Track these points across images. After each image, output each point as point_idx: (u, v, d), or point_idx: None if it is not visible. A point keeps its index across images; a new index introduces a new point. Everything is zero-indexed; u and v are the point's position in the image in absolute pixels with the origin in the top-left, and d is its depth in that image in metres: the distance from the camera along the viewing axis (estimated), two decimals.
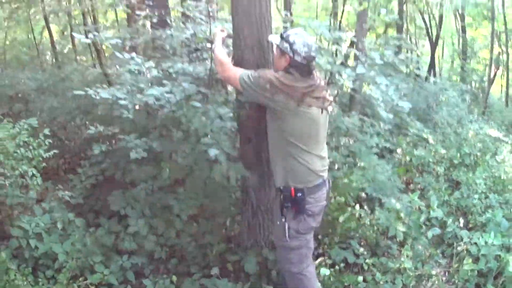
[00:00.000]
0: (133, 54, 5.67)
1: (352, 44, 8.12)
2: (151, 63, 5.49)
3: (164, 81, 5.18)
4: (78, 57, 15.93)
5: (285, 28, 6.71)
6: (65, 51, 17.04)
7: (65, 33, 18.09)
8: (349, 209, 5.98)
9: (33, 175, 5.26)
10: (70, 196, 5.78)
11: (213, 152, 4.44)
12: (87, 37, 6.33)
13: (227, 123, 4.89)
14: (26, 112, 8.48)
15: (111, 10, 16.10)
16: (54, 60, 15.43)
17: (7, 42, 16.24)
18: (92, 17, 11.81)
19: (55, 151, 5.64)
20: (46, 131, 5.61)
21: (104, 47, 12.70)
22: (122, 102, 4.89)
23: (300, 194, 4.00)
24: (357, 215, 6.02)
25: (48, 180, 6.34)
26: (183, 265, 5.36)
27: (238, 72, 4.08)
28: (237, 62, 4.60)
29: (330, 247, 5.67)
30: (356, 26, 8.69)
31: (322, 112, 4.09)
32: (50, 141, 5.61)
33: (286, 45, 3.98)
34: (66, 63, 14.25)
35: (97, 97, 4.96)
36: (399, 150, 8.81)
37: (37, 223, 4.91)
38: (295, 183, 4.02)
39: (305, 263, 4.29)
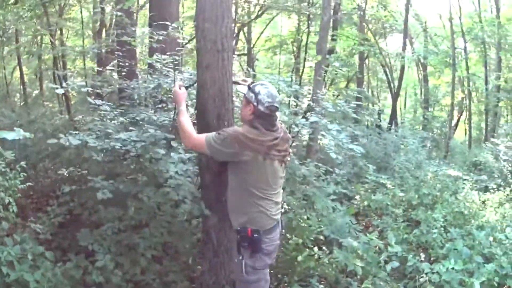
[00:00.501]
0: (101, 101, 5.94)
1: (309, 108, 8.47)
2: (117, 111, 5.72)
3: (131, 128, 5.46)
4: (45, 103, 16.06)
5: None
6: (33, 94, 17.18)
7: (35, 77, 18.24)
8: (307, 250, 6.11)
9: (9, 203, 5.45)
10: (39, 231, 5.91)
11: (182, 192, 4.78)
12: (61, 85, 6.60)
13: (189, 167, 5.17)
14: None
15: (80, 58, 16.38)
16: (23, 102, 15.53)
17: None
18: (61, 63, 12.05)
19: (30, 183, 5.84)
20: (23, 164, 5.85)
21: (71, 95, 12.90)
22: (92, 144, 5.13)
23: (257, 235, 4.21)
24: (315, 256, 6.15)
25: (17, 217, 6.49)
26: None
27: (202, 138, 4.26)
28: (200, 111, 4.94)
29: (290, 285, 5.84)
30: (314, 77, 9.03)
31: (281, 164, 4.36)
32: (25, 174, 5.83)
33: (251, 94, 4.23)
34: (34, 106, 14.40)
35: (67, 143, 5.18)
36: (357, 197, 9.09)
37: (9, 252, 4.98)
38: (252, 225, 4.23)
39: None
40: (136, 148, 5.32)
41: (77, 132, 6.07)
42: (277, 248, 4.58)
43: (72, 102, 13.83)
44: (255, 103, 4.19)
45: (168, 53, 6.73)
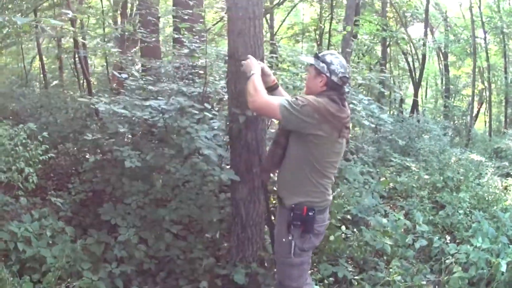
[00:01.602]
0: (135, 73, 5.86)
1: None
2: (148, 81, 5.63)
3: (159, 97, 5.36)
4: (65, 91, 16.08)
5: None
6: (53, 84, 17.17)
7: (54, 66, 18.25)
8: (339, 229, 6.02)
9: (30, 173, 5.36)
10: (60, 205, 5.89)
11: (207, 151, 4.62)
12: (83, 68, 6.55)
13: (219, 133, 5.07)
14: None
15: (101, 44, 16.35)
16: (44, 88, 15.53)
17: None
18: (82, 44, 11.98)
19: (52, 154, 5.77)
20: (45, 134, 5.77)
21: (92, 82, 12.85)
22: (123, 111, 5.05)
23: (312, 213, 3.95)
24: (343, 235, 6.06)
25: (36, 197, 6.43)
26: (171, 278, 5.39)
27: (275, 100, 3.86)
28: (232, 80, 4.87)
29: (319, 264, 5.72)
30: (341, 51, 8.91)
31: (347, 142, 4.15)
32: (47, 146, 5.76)
33: (322, 65, 3.93)
34: (55, 93, 14.43)
35: (100, 108, 5.11)
36: (382, 179, 8.99)
37: (26, 228, 4.93)
38: (308, 204, 3.97)
39: (304, 278, 4.28)
40: (164, 118, 5.20)
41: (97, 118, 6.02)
42: (325, 229, 4.37)
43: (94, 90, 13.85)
44: (327, 74, 3.91)
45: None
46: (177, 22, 7.38)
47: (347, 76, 4.00)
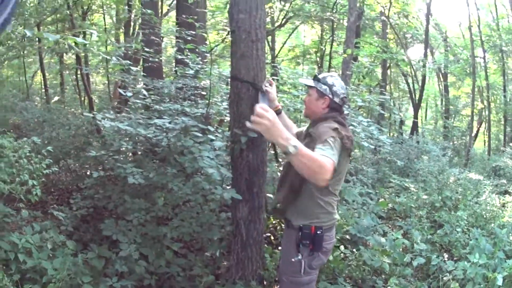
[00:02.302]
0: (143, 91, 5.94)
1: None
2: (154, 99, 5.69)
3: (164, 117, 5.45)
4: (66, 108, 16.16)
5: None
6: (54, 99, 17.27)
7: (56, 82, 18.34)
8: (337, 249, 6.11)
9: (33, 185, 5.39)
10: (61, 219, 5.93)
11: (211, 171, 4.67)
12: (85, 88, 6.57)
13: (221, 154, 5.15)
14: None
15: (103, 63, 16.46)
16: (45, 103, 15.60)
17: None
18: (84, 61, 12.08)
19: (56, 168, 5.82)
20: (50, 148, 5.82)
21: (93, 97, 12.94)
22: (128, 128, 5.12)
23: (320, 232, 3.96)
24: (342, 255, 6.15)
25: (37, 211, 6.47)
26: None
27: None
28: (234, 101, 4.94)
29: (317, 282, 5.74)
30: (341, 73, 8.98)
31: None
32: (51, 160, 5.81)
33: (325, 87, 4.00)
34: (56, 109, 14.50)
35: (105, 125, 5.18)
36: (381, 200, 9.06)
37: (27, 240, 4.95)
38: (316, 223, 3.97)
39: None
40: (168, 137, 5.28)
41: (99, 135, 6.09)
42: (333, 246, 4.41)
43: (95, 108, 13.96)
44: (330, 96, 3.99)
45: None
46: (180, 42, 7.47)
47: (346, 96, 4.12)
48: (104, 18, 16.52)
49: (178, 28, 7.79)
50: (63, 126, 8.86)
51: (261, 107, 2.97)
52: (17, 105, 12.41)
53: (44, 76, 15.96)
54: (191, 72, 6.63)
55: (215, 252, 5.81)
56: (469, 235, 7.27)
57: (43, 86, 16.25)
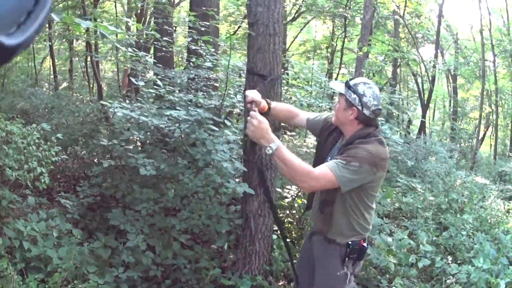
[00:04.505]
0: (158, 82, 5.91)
1: None
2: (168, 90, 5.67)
3: (178, 108, 5.42)
4: (75, 94, 16.14)
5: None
6: (63, 85, 17.26)
7: (64, 68, 18.31)
8: None
9: (42, 173, 5.38)
10: (68, 207, 5.89)
11: (225, 164, 4.64)
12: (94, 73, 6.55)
13: (235, 147, 5.13)
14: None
15: (113, 50, 16.41)
16: (54, 89, 15.56)
17: (7, 66, 16.41)
18: (95, 48, 12.04)
19: (65, 156, 5.77)
20: (59, 135, 5.80)
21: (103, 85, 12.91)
22: (142, 118, 5.10)
23: (367, 244, 3.87)
24: None
25: (43, 198, 6.46)
26: (176, 286, 5.42)
27: (328, 172, 3.33)
28: (251, 86, 4.88)
29: None
30: (354, 71, 8.92)
31: None
32: (60, 148, 5.80)
33: (354, 96, 3.55)
34: (65, 95, 14.45)
35: (118, 113, 5.15)
36: (388, 199, 9.02)
37: (33, 227, 4.92)
38: (362, 237, 3.82)
39: None
40: (181, 128, 5.25)
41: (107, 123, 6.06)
42: None
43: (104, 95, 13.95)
44: (359, 107, 3.54)
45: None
46: (193, 33, 7.43)
47: (380, 108, 3.64)
48: (115, 5, 16.48)
49: (192, 19, 7.75)
50: (72, 113, 8.85)
51: (252, 113, 3.25)
52: (25, 90, 12.40)
53: (53, 62, 15.92)
54: (207, 64, 6.58)
55: (223, 245, 5.79)
56: (473, 239, 7.25)
57: (51, 72, 16.19)
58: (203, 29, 7.06)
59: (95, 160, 7.32)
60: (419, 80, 21.42)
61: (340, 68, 18.73)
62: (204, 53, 6.77)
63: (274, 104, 4.23)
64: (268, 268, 5.48)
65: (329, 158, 3.87)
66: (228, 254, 5.92)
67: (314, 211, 4.05)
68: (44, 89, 17.19)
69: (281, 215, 6.83)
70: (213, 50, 6.83)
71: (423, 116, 19.96)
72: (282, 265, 5.64)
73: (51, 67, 16.19)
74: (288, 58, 17.47)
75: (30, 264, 4.76)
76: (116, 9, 16.53)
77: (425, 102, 20.05)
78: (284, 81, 7.41)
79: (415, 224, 7.99)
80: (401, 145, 11.20)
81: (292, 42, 20.85)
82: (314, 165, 3.66)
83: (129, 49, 6.34)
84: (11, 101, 10.51)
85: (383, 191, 8.42)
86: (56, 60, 17.11)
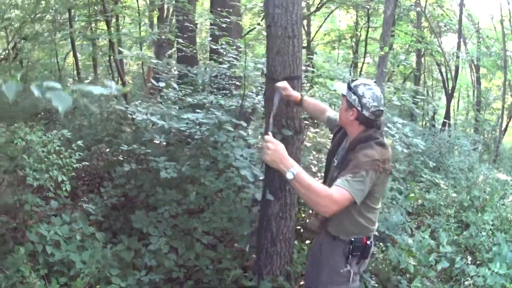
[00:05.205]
0: (174, 85, 5.94)
1: None
2: (181, 94, 5.68)
3: (198, 110, 5.45)
4: None
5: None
6: (87, 81, 17.31)
7: (88, 63, 18.37)
8: None
9: (63, 181, 5.43)
10: (91, 211, 5.92)
11: (244, 172, 4.65)
12: (118, 71, 6.59)
13: (255, 152, 5.12)
14: (53, 126, 8.61)
15: (136, 45, 16.45)
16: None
17: (30, 63, 16.53)
18: (117, 49, 12.06)
19: (86, 163, 5.81)
20: (80, 143, 5.83)
21: (127, 81, 12.95)
22: (160, 122, 5.13)
23: (370, 242, 3.93)
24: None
25: (67, 198, 6.52)
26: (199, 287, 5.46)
27: (345, 192, 3.37)
28: (270, 98, 4.85)
29: None
30: (376, 71, 8.85)
31: None
32: (81, 154, 5.84)
33: (354, 97, 3.69)
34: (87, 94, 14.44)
35: (137, 118, 5.19)
36: (412, 195, 8.99)
37: (56, 232, 4.97)
38: (365, 235, 3.91)
39: None
40: (201, 130, 5.28)
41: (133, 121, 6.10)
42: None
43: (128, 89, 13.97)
44: (358, 108, 3.68)
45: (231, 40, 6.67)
46: (214, 29, 7.45)
47: (381, 109, 3.74)
48: (137, 0, 16.48)
49: (211, 18, 7.77)
50: (95, 113, 8.90)
51: (266, 137, 3.36)
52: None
53: (76, 59, 16.00)
54: (224, 66, 6.60)
55: (245, 246, 5.81)
56: (493, 239, 7.20)
57: (75, 69, 16.26)
58: (224, 25, 7.07)
59: (120, 158, 7.35)
60: (443, 69, 21.21)
61: (364, 57, 18.67)
62: (224, 52, 6.78)
63: (307, 97, 4.60)
64: (289, 268, 5.50)
65: (335, 158, 4.04)
66: (249, 254, 5.95)
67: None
68: (69, 84, 17.26)
69: (303, 215, 6.85)
70: (234, 48, 6.81)
71: (448, 106, 19.76)
72: (300, 268, 5.66)
73: (74, 64, 16.26)
74: (313, 51, 17.46)
75: (53, 268, 4.82)
76: (138, 4, 16.53)
77: (450, 92, 19.86)
78: (305, 80, 7.40)
79: (437, 222, 7.95)
80: (425, 138, 11.15)
81: (316, 32, 20.73)
82: (326, 166, 3.98)
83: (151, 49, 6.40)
84: (33, 99, 10.55)
85: (407, 187, 8.41)
86: (79, 56, 17.20)
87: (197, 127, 5.35)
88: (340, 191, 3.35)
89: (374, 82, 4.09)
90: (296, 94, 4.57)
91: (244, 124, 5.56)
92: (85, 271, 4.74)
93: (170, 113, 5.69)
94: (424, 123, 18.88)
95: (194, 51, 8.17)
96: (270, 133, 3.55)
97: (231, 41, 6.48)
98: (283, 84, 4.50)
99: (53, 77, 16.26)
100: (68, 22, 14.14)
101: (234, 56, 6.79)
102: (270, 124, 4.02)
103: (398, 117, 6.92)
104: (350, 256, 3.90)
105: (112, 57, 12.69)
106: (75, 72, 15.95)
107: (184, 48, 7.66)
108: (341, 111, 3.91)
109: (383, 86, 7.55)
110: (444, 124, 17.88)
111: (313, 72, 7.67)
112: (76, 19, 14.81)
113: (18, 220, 5.64)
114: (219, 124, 5.30)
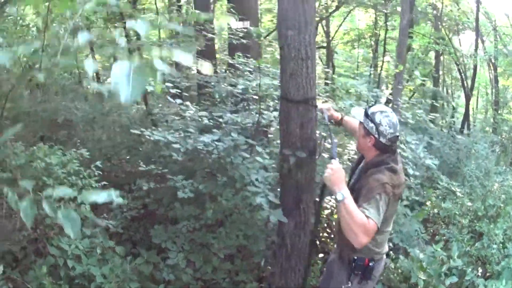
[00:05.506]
0: (187, 103, 6.02)
1: (388, 102, 8.42)
2: (204, 113, 5.76)
3: (214, 130, 5.54)
4: None
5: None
6: (107, 82, 17.34)
7: (108, 64, 18.41)
8: None
9: (82, 203, 5.54)
10: (110, 224, 6.02)
11: (259, 200, 4.72)
12: None
13: (270, 174, 5.20)
14: (72, 140, 8.67)
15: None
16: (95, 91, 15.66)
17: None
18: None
19: (105, 183, 5.93)
20: (98, 163, 5.94)
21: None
22: (175, 146, 5.23)
23: (372, 264, 4.02)
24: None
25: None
26: None
27: (373, 220, 3.48)
28: (283, 119, 4.97)
29: None
30: (393, 85, 8.83)
31: None
32: (101, 172, 5.94)
33: (371, 125, 3.86)
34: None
35: (152, 138, 5.29)
36: (428, 203, 9.01)
37: (77, 246, 5.08)
38: (369, 256, 4.01)
39: None
40: (219, 150, 5.38)
41: (155, 128, 6.20)
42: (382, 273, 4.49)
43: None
44: (376, 135, 3.86)
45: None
46: (232, 37, 7.52)
47: (397, 135, 3.92)
48: (155, 1, 16.47)
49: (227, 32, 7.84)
50: (114, 124, 8.97)
51: (333, 161, 3.70)
52: (67, 95, 12.40)
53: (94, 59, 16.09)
54: (240, 86, 6.66)
55: (260, 261, 5.93)
56: (503, 251, 7.14)
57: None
58: (241, 34, 7.14)
59: (140, 168, 7.45)
60: (462, 68, 21.09)
61: (383, 57, 18.66)
62: (241, 67, 6.86)
63: (347, 117, 4.83)
64: (303, 282, 5.60)
65: (353, 177, 4.23)
66: (265, 268, 6.06)
67: (336, 224, 4.51)
68: (89, 86, 17.35)
69: (318, 229, 6.93)
70: (251, 68, 6.85)
71: (466, 105, 19.62)
72: (314, 281, 5.76)
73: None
74: (333, 50, 17.46)
75: (74, 281, 4.94)
76: (156, 5, 16.52)
77: (468, 92, 19.74)
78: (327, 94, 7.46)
79: (451, 232, 7.95)
80: (443, 140, 11.10)
81: (336, 31, 20.69)
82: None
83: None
84: (55, 107, 10.56)
85: (424, 194, 8.44)
86: (98, 57, 17.28)
87: (214, 145, 5.42)
88: (370, 223, 3.47)
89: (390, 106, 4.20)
90: (337, 115, 4.77)
91: (259, 150, 5.61)
92: (106, 286, 4.87)
93: (187, 130, 5.79)
94: (443, 120, 18.79)
95: (212, 61, 8.25)
96: (336, 159, 3.85)
97: (246, 60, 6.57)
98: (326, 105, 4.73)
99: (73, 79, 16.32)
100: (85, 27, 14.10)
101: (250, 69, 6.87)
102: (333, 152, 4.09)
103: (412, 133, 6.95)
104: (352, 274, 4.05)
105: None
106: (95, 74, 15.98)
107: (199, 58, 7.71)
108: (360, 137, 4.08)
109: (399, 102, 7.57)
110: (463, 125, 17.81)
111: (334, 90, 7.67)
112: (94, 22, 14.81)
113: (39, 232, 5.74)
114: (235, 147, 5.39)
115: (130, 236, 6.37)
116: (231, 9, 9.07)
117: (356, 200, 3.61)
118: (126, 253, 5.66)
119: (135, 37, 11.36)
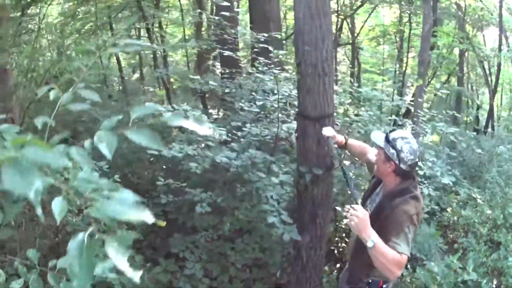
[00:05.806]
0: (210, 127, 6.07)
1: (408, 112, 8.35)
2: (223, 132, 5.78)
3: (233, 144, 5.60)
4: (145, 88, 16.28)
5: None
6: (133, 78, 17.44)
7: (134, 61, 18.55)
8: None
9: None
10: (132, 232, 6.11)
11: (271, 219, 4.71)
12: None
13: (287, 190, 5.24)
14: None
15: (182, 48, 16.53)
16: (120, 87, 15.81)
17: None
18: (162, 55, 12.11)
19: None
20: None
21: (172, 79, 13.08)
22: (192, 164, 5.29)
23: (386, 286, 4.08)
24: None
25: None
26: None
27: (405, 254, 3.52)
28: (301, 136, 5.03)
29: None
30: (414, 98, 8.69)
31: None
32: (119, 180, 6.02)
33: (392, 151, 3.83)
34: (133, 92, 14.52)
35: (169, 156, 5.36)
36: (449, 209, 8.97)
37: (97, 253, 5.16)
38: (384, 278, 4.01)
39: None
40: (237, 166, 5.43)
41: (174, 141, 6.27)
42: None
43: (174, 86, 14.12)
44: (396, 161, 3.83)
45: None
46: (253, 42, 7.55)
47: (417, 161, 3.92)
48: (181, 9, 16.36)
49: (248, 34, 7.86)
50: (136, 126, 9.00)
51: (354, 207, 3.55)
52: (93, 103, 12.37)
53: (118, 62, 16.19)
54: (259, 98, 6.71)
55: (276, 272, 6.01)
56: None
57: (118, 70, 16.38)
58: (262, 39, 7.17)
59: (160, 175, 7.52)
60: (486, 65, 20.89)
61: (408, 53, 18.64)
62: (263, 73, 6.89)
63: (350, 140, 4.75)
64: None
65: (368, 202, 4.23)
66: (281, 278, 6.12)
67: (350, 242, 4.44)
68: (114, 83, 17.45)
69: (336, 238, 6.98)
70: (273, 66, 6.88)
71: (491, 103, 19.46)
72: None
73: (117, 67, 16.43)
74: (358, 44, 17.39)
75: None
76: (180, 2, 16.43)
77: (492, 89, 19.56)
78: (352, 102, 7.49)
79: (469, 241, 7.90)
80: (467, 142, 10.98)
81: (361, 27, 20.57)
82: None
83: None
84: (77, 116, 10.49)
85: (445, 199, 8.42)
86: (123, 54, 17.41)
87: (233, 160, 5.46)
88: (401, 257, 3.49)
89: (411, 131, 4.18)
90: (341, 139, 4.69)
91: (276, 170, 5.65)
92: None
93: (207, 144, 5.86)
94: (468, 118, 18.67)
95: (237, 57, 8.29)
96: (358, 202, 3.84)
97: (268, 68, 6.61)
98: (330, 132, 4.63)
99: (98, 77, 16.43)
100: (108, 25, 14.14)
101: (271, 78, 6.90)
102: (354, 193, 4.14)
103: (429, 149, 6.91)
104: None
105: (155, 68, 12.83)
106: (119, 75, 16.12)
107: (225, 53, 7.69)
108: (379, 162, 4.03)
109: (419, 114, 7.49)
110: (487, 124, 17.68)
111: (359, 100, 7.65)
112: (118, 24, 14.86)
113: (60, 237, 5.85)
114: (253, 163, 5.43)
115: (150, 243, 6.43)
116: (253, 14, 9.12)
117: (382, 228, 3.64)
118: (147, 259, 5.75)
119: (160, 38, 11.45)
